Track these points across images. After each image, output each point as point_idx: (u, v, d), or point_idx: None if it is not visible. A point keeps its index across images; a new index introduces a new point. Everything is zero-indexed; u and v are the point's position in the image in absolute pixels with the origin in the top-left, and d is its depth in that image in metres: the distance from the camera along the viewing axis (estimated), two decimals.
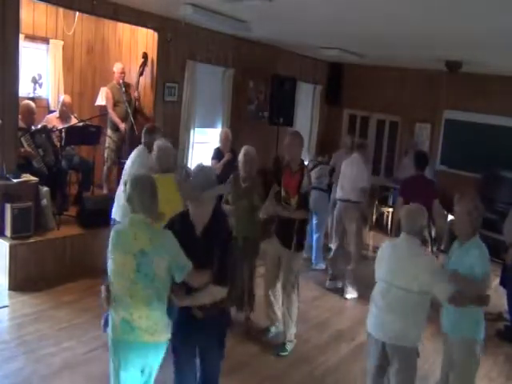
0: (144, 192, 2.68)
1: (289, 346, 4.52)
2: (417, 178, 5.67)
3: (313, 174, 6.29)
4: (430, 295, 3.15)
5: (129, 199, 2.70)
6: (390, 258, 3.32)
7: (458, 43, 5.92)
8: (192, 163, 7.40)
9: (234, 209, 4.61)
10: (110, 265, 2.69)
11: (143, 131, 4.73)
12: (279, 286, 4.65)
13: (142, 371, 2.83)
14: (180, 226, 2.80)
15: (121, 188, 4.29)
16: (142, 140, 4.66)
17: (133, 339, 2.68)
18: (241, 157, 4.72)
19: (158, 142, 4.21)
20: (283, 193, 4.48)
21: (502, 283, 5.72)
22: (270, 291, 4.68)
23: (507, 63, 6.95)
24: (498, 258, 6.35)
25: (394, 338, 3.19)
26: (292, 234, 4.37)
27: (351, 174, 6.09)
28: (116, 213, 4.52)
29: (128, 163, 4.57)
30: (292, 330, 4.56)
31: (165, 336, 2.76)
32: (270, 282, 4.68)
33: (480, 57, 6.74)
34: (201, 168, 2.94)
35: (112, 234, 2.71)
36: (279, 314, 4.74)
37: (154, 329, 2.69)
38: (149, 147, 4.52)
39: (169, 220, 2.87)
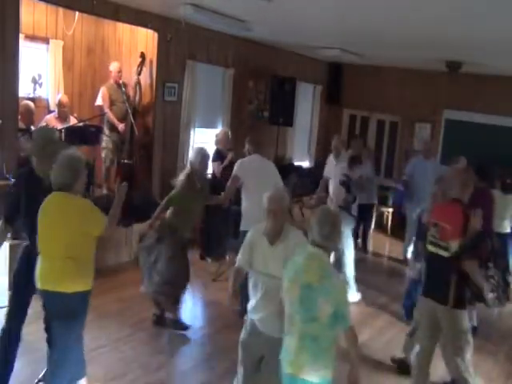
0: (324, 222, 2.64)
1: None
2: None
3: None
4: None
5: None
6: None
7: (458, 44, 5.92)
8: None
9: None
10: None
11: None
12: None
13: None
14: (29, 180, 3.25)
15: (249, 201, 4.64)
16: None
17: (284, 367, 2.67)
18: None
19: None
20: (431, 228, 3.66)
21: None
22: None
23: (507, 64, 6.95)
24: None
25: None
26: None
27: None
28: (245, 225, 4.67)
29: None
30: None
31: (312, 377, 2.59)
32: None
33: (480, 57, 6.74)
34: (41, 128, 3.42)
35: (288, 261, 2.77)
36: None
37: (299, 366, 2.59)
38: None
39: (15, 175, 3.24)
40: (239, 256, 3.14)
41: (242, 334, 3.16)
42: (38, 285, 3.10)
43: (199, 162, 4.58)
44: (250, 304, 3.09)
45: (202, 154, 4.63)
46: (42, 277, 3.09)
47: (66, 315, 3.05)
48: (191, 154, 4.66)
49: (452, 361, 3.57)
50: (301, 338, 2.59)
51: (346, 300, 2.61)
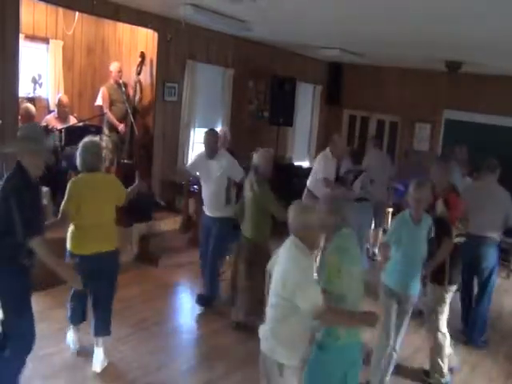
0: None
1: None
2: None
3: (357, 184, 6.14)
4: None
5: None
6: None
7: (458, 44, 5.92)
8: None
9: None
10: (344, 280, 2.81)
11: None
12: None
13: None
14: (25, 179, 3.08)
15: None
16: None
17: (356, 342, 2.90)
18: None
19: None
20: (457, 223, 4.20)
21: None
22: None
23: (507, 64, 6.95)
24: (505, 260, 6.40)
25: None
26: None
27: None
28: None
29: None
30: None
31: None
32: None
33: (480, 57, 6.74)
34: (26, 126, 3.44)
35: (344, 252, 2.87)
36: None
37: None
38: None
39: (11, 179, 3.06)
40: (322, 296, 2.66)
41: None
42: (93, 250, 3.65)
43: (265, 163, 4.53)
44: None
45: (266, 156, 4.61)
46: (97, 242, 3.69)
47: (114, 270, 3.82)
48: (255, 156, 4.63)
49: (433, 333, 4.13)
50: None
51: None
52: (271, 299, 2.83)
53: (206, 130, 5.19)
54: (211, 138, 4.99)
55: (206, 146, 5.01)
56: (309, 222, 2.75)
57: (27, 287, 3.18)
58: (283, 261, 2.78)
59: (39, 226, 3.08)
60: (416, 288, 3.88)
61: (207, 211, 5.11)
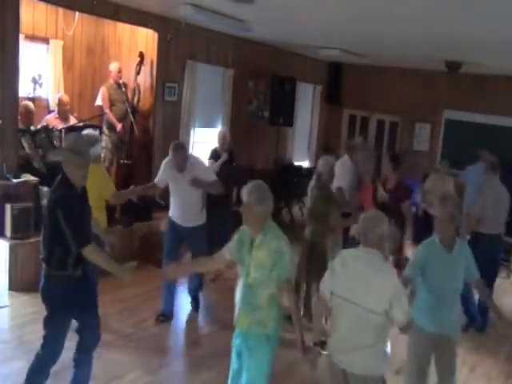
0: None
1: None
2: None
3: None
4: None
5: None
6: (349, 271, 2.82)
7: (458, 44, 5.93)
8: None
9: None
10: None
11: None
12: None
13: None
14: (70, 188, 3.02)
15: None
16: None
17: None
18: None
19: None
20: None
21: None
22: None
23: (507, 64, 6.95)
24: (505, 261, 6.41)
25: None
26: None
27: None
28: None
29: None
30: None
31: None
32: None
33: (480, 57, 6.74)
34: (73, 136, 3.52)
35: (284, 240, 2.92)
36: None
37: None
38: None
39: (57, 190, 3.02)
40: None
41: None
42: None
43: (329, 171, 4.54)
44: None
45: (331, 163, 4.63)
46: None
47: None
48: (319, 162, 4.64)
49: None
50: None
51: None
52: (358, 324, 2.67)
53: (176, 143, 4.53)
54: (180, 155, 4.52)
55: (175, 163, 4.56)
56: (385, 233, 2.75)
57: (71, 298, 3.12)
58: (367, 275, 2.67)
59: (88, 235, 3.10)
60: (457, 325, 3.40)
61: (180, 221, 4.82)
